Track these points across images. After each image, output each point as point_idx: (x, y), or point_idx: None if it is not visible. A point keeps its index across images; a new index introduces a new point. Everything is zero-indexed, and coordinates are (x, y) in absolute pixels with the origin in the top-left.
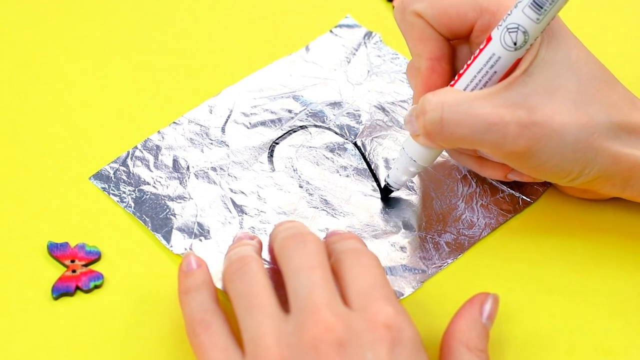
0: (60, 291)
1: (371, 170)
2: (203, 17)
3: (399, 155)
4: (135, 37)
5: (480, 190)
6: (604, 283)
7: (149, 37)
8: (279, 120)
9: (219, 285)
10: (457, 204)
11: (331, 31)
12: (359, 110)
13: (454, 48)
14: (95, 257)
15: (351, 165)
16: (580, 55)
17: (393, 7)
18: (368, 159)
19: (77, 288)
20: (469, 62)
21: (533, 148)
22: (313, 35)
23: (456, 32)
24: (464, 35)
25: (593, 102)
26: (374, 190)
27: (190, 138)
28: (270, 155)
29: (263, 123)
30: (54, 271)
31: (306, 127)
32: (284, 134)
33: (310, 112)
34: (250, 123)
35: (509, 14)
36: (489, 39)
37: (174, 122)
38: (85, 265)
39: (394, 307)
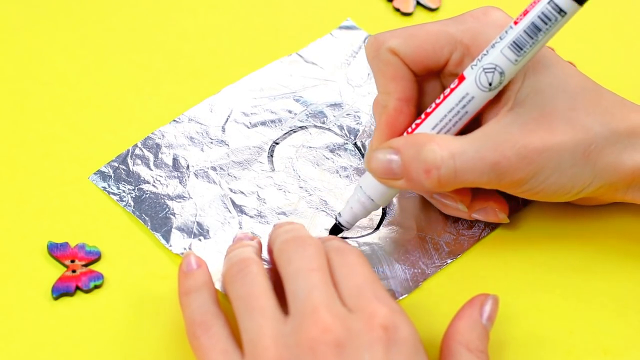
0: (60, 291)
1: None
2: (203, 17)
3: (354, 193)
4: (135, 37)
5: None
6: (604, 283)
7: (149, 37)
8: (279, 120)
9: (218, 285)
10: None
11: (331, 34)
12: (358, 112)
13: (422, 86)
14: (95, 257)
15: (351, 166)
16: (565, 71)
17: (394, 7)
18: None
19: (77, 288)
20: (437, 102)
21: (531, 172)
22: (313, 38)
23: (430, 68)
24: (437, 70)
25: (587, 115)
26: None
27: (191, 137)
28: (270, 155)
29: (263, 123)
30: (54, 271)
31: (306, 128)
32: (284, 134)
33: (310, 113)
34: (250, 123)
35: (485, 54)
36: (462, 78)
37: (174, 120)
38: (85, 265)
39: (390, 306)
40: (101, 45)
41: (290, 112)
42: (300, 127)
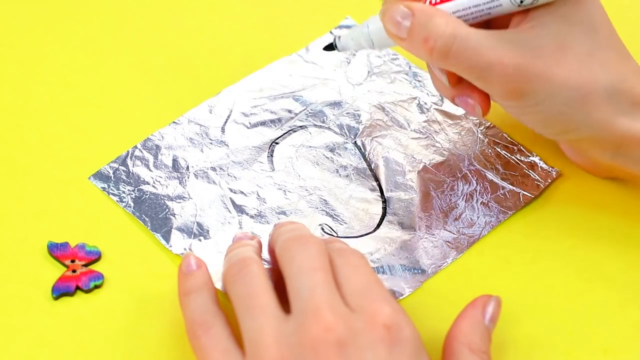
0: (61, 291)
1: (371, 170)
2: (203, 17)
3: (360, 28)
4: (135, 37)
5: (480, 188)
6: (604, 283)
7: (149, 37)
8: (279, 120)
9: (218, 285)
10: (457, 202)
11: (331, 32)
12: (358, 111)
13: None
14: (95, 257)
15: (351, 165)
16: (601, 20)
17: None
18: (368, 159)
19: (77, 288)
20: None
21: (523, 90)
22: (313, 36)
23: None
24: None
25: (600, 66)
26: (374, 190)
27: (190, 138)
28: (270, 155)
29: (263, 123)
30: (54, 271)
31: (306, 127)
32: (284, 133)
33: (310, 112)
34: (250, 123)
35: None
36: None
37: (174, 122)
38: (86, 265)
39: (392, 306)
40: (101, 45)
41: (289, 111)
42: (300, 126)
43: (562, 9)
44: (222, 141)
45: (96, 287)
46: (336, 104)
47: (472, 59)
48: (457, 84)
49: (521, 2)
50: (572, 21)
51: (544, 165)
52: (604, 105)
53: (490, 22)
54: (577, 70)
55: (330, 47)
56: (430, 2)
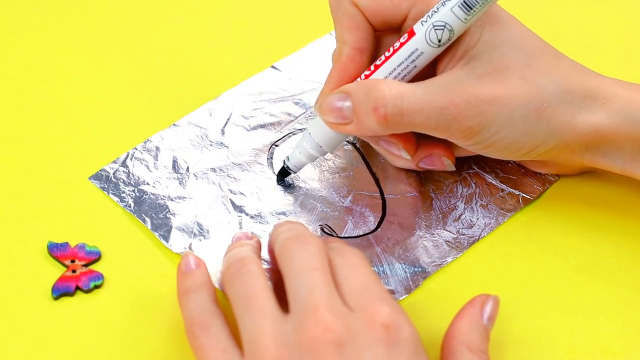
0: (60, 291)
1: (371, 171)
2: (203, 19)
3: (302, 138)
4: (136, 39)
5: (479, 190)
6: (604, 283)
7: (150, 39)
8: (279, 123)
9: (217, 285)
10: (456, 204)
11: (331, 34)
12: None
13: (380, 39)
14: (95, 257)
15: (351, 166)
16: (524, 33)
17: None
18: (367, 160)
19: (77, 288)
20: (387, 54)
21: (481, 123)
22: (313, 38)
23: (389, 22)
24: (396, 25)
25: (542, 74)
26: (374, 190)
27: (190, 139)
28: (270, 158)
29: (262, 126)
30: (54, 271)
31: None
32: (284, 136)
33: (310, 116)
34: (249, 126)
35: (435, 11)
36: (412, 33)
37: (174, 124)
38: (85, 265)
39: (391, 306)
40: (101, 46)
41: (289, 114)
42: (300, 129)
43: (484, 38)
44: (221, 143)
45: (96, 287)
46: None
47: (425, 110)
48: (416, 151)
49: (439, 41)
50: (497, 44)
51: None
52: (559, 109)
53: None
54: (522, 85)
55: (284, 173)
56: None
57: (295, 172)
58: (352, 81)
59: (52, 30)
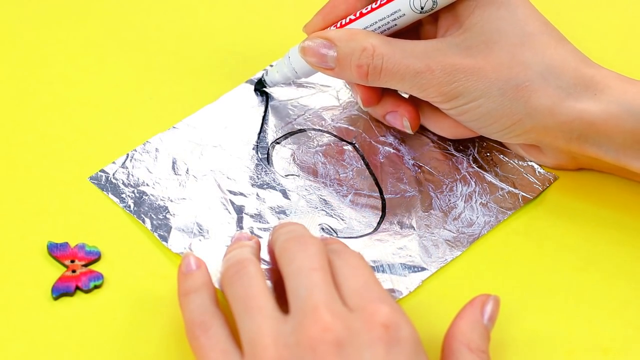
0: (60, 291)
1: (370, 171)
2: (203, 20)
3: (282, 61)
4: (135, 39)
5: (479, 189)
6: (604, 283)
7: (150, 39)
8: (278, 124)
9: (218, 285)
10: (456, 203)
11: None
12: (357, 115)
13: None
14: (95, 257)
15: (350, 166)
16: (529, 14)
17: None
18: (367, 160)
19: (77, 288)
20: (374, 6)
21: (457, 90)
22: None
23: None
24: None
25: (534, 54)
26: (374, 190)
27: (189, 141)
28: (270, 156)
29: (262, 127)
30: (54, 271)
31: (305, 131)
32: (283, 135)
33: (308, 117)
34: (249, 127)
35: None
36: None
37: (173, 127)
38: (85, 266)
39: (390, 306)
40: (101, 46)
41: (288, 115)
42: (299, 130)
43: (479, 12)
44: (221, 144)
45: (96, 287)
46: (334, 109)
47: (401, 71)
48: (374, 103)
49: (422, 8)
50: (493, 19)
51: (541, 170)
52: (542, 90)
53: (421, 34)
54: (508, 61)
55: (260, 84)
56: (341, 25)
57: (270, 87)
58: (340, 19)
59: (52, 30)
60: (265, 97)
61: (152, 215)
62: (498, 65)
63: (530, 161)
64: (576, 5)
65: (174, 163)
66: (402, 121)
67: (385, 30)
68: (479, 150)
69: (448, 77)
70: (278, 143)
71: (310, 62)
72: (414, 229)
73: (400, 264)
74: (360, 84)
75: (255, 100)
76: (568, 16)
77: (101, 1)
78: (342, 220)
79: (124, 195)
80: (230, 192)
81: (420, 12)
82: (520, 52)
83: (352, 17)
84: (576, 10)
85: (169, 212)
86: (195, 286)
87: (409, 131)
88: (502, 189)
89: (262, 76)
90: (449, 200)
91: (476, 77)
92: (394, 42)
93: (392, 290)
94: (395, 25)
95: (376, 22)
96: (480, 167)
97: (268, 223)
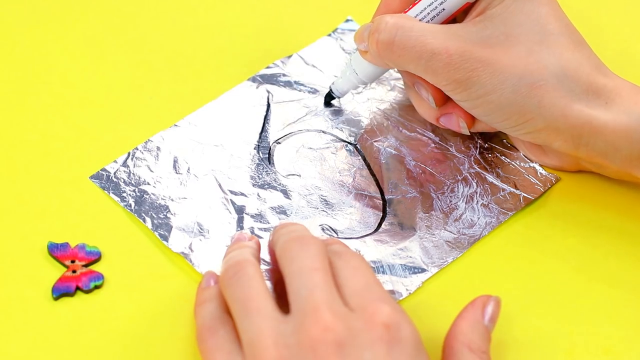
0: (61, 291)
1: (371, 171)
2: (204, 19)
3: (345, 66)
4: (135, 38)
5: (480, 190)
6: (604, 283)
7: (150, 39)
8: (279, 124)
9: None
10: (457, 204)
11: (330, 35)
12: (359, 117)
13: None
14: (96, 257)
15: (351, 166)
16: (552, 13)
17: None
18: (368, 161)
19: (78, 288)
20: None
21: (470, 79)
22: (313, 38)
23: None
24: None
25: (551, 54)
26: (374, 191)
27: (191, 140)
28: (271, 156)
29: (263, 127)
30: (54, 271)
31: (306, 131)
32: (284, 135)
33: (309, 117)
34: (250, 127)
35: None
36: None
37: (175, 125)
38: (86, 266)
39: (391, 306)
40: (102, 45)
41: (290, 116)
42: (301, 130)
43: (513, 6)
44: (222, 144)
45: (96, 287)
46: (336, 111)
47: (416, 47)
48: (442, 104)
49: None
50: (517, 13)
51: (543, 172)
52: (555, 92)
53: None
54: (525, 58)
55: (329, 97)
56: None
57: (340, 97)
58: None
59: (52, 30)
60: (267, 97)
61: (153, 215)
62: (515, 59)
63: (533, 162)
64: (600, 6)
65: (175, 162)
66: (458, 122)
67: (434, 16)
68: (481, 151)
69: (464, 63)
70: (279, 143)
71: (357, 47)
72: (415, 230)
73: (401, 265)
74: (379, 63)
75: (256, 99)
76: (591, 18)
77: (101, 1)
78: (343, 220)
79: (124, 194)
80: (231, 192)
81: None
82: (538, 50)
83: (407, 9)
84: (599, 12)
85: (169, 211)
86: (210, 297)
87: (465, 132)
88: (504, 189)
89: (330, 90)
90: (450, 201)
91: (491, 69)
92: (418, 22)
93: (392, 292)
94: (444, 9)
95: (425, 9)
96: (482, 168)
97: (269, 223)
